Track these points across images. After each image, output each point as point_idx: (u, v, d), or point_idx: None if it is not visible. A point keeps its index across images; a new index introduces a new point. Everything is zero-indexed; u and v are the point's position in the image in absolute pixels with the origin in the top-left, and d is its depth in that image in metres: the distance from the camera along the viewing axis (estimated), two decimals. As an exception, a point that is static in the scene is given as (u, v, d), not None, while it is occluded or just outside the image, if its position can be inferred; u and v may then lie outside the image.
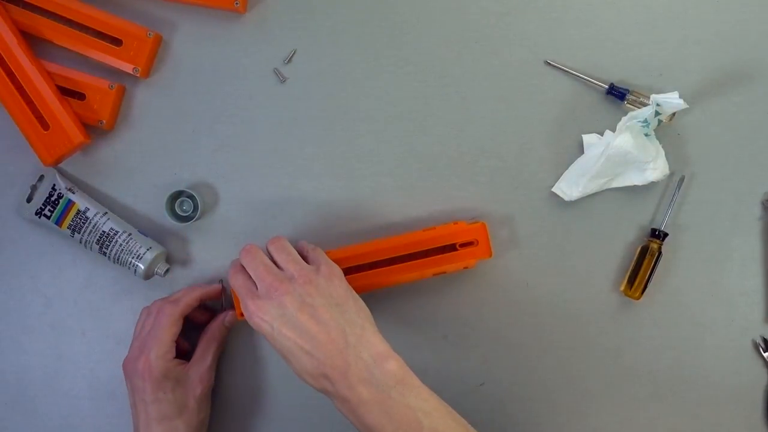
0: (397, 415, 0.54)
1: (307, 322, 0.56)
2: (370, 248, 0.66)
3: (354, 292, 0.60)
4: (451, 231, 0.66)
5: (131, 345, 0.66)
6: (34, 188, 0.70)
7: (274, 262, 0.60)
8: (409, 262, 0.66)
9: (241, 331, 0.70)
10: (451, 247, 0.66)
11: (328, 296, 0.58)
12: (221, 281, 0.70)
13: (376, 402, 0.54)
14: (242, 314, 0.64)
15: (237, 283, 0.60)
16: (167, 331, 0.64)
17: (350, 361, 0.55)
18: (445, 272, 0.67)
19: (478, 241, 0.66)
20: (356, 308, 0.59)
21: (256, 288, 0.59)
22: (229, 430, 0.70)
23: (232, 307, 0.69)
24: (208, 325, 0.68)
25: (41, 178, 0.70)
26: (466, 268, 0.67)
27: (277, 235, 0.63)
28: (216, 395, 0.69)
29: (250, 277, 0.60)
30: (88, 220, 0.68)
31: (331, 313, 0.57)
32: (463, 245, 0.66)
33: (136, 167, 0.71)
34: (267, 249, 0.62)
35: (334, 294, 0.58)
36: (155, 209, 0.71)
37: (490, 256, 0.66)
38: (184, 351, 0.69)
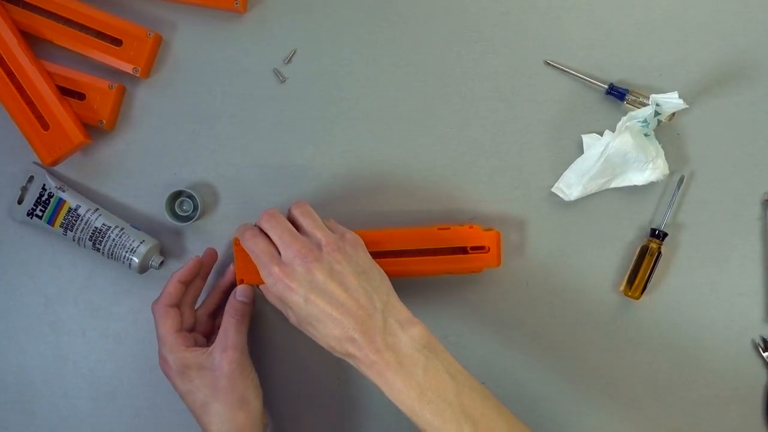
0: (425, 376, 0.56)
1: (336, 289, 0.57)
2: (384, 237, 0.66)
3: (374, 261, 0.61)
4: (466, 234, 0.66)
5: None
6: (24, 189, 0.70)
7: (296, 227, 0.60)
8: (418, 257, 0.66)
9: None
10: (462, 250, 0.66)
11: (354, 264, 0.59)
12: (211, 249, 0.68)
13: (404, 364, 0.56)
14: (242, 279, 0.64)
15: (258, 247, 0.59)
16: (162, 326, 0.63)
17: (378, 325, 0.56)
18: (450, 272, 0.67)
19: (488, 248, 0.66)
20: (380, 276, 0.60)
21: (278, 254, 0.59)
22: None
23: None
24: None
25: (31, 178, 0.70)
26: (472, 272, 0.67)
27: (301, 200, 0.63)
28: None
29: (271, 242, 0.59)
30: (80, 217, 0.68)
31: (359, 281, 0.58)
32: (474, 249, 0.66)
33: (136, 167, 0.71)
34: (291, 213, 0.62)
35: (360, 262, 0.59)
36: (155, 209, 0.71)
37: (498, 265, 0.66)
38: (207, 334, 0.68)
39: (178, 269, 0.66)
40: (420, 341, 0.57)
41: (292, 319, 0.61)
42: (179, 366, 0.62)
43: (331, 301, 0.57)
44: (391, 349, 0.56)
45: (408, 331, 0.57)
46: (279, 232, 0.59)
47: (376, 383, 0.56)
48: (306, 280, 0.57)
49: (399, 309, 0.59)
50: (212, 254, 0.68)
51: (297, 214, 0.61)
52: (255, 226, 0.62)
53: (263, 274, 0.59)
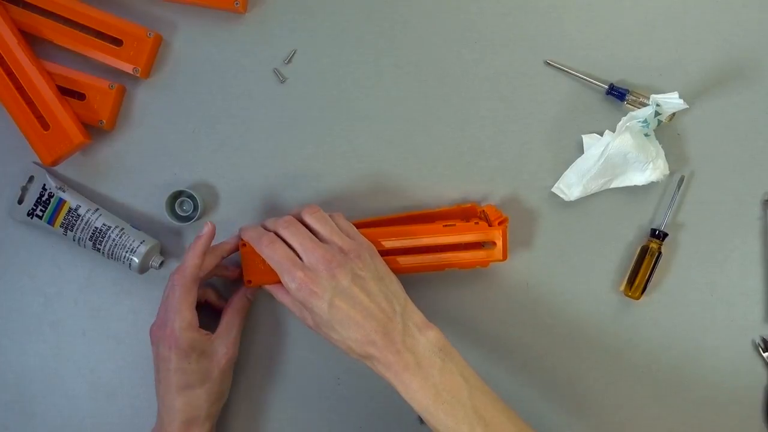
0: (441, 377, 0.57)
1: (359, 294, 0.58)
2: (390, 232, 0.65)
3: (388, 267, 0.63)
4: (471, 230, 0.66)
5: (158, 309, 0.64)
6: (24, 189, 0.70)
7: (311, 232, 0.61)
8: (425, 254, 0.66)
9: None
10: (468, 245, 0.66)
11: (373, 270, 0.60)
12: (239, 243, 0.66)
13: (422, 366, 0.57)
14: (251, 281, 0.65)
15: (279, 253, 0.60)
16: (184, 301, 0.62)
17: (398, 328, 0.58)
18: (455, 268, 0.67)
19: (495, 243, 0.66)
20: (396, 282, 0.62)
21: (300, 259, 0.59)
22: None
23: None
24: (230, 298, 0.68)
25: (31, 178, 0.70)
26: (478, 266, 0.67)
27: (312, 204, 0.64)
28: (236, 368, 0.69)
29: (289, 248, 0.60)
30: (80, 218, 0.68)
31: (379, 286, 0.59)
32: (480, 244, 0.66)
33: (136, 167, 0.71)
34: (303, 217, 0.62)
35: (378, 268, 0.61)
36: (155, 209, 0.71)
37: (504, 259, 0.66)
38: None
39: (199, 240, 0.63)
40: (436, 344, 0.59)
41: (309, 322, 0.62)
42: (187, 345, 0.62)
43: (355, 305, 0.58)
44: (410, 351, 0.58)
45: (425, 334, 0.59)
46: (300, 238, 0.60)
47: (391, 383, 0.58)
48: (330, 285, 0.58)
49: (415, 313, 0.60)
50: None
51: (311, 220, 0.62)
52: (269, 231, 0.62)
53: (286, 279, 0.59)
